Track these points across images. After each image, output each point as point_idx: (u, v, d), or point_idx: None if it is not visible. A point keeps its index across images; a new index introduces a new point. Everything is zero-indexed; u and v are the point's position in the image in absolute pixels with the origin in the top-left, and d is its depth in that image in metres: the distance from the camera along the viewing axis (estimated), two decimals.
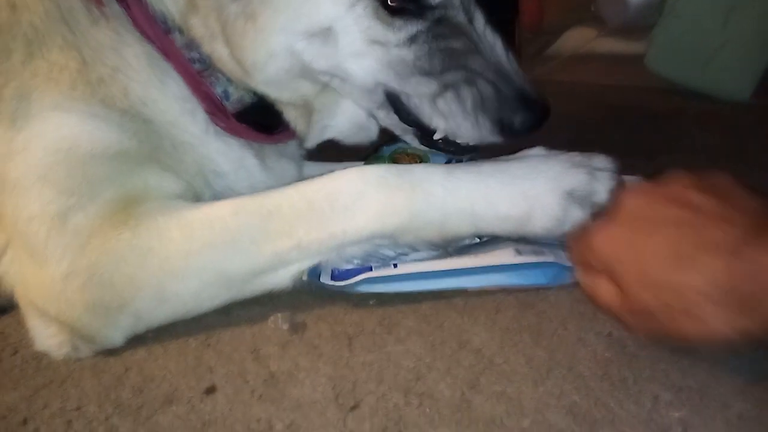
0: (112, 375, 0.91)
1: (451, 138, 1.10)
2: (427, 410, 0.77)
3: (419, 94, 1.04)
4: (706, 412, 0.73)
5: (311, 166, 1.30)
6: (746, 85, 1.91)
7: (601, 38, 2.26)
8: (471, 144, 1.10)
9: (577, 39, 2.32)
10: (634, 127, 1.82)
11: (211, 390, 0.85)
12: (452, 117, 1.03)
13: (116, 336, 0.95)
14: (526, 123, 1.03)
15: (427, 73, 1.02)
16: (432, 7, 1.00)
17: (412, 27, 1.00)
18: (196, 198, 1.04)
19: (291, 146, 1.22)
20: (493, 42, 1.04)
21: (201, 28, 1.01)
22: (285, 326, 0.96)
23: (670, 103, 1.99)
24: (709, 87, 1.99)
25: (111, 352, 0.95)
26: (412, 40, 1.00)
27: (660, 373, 0.79)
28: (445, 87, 1.02)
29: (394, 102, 1.09)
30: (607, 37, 2.24)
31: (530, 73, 2.37)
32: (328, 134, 1.20)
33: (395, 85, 1.04)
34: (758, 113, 1.84)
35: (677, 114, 1.89)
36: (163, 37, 1.02)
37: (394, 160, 1.25)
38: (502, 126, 1.03)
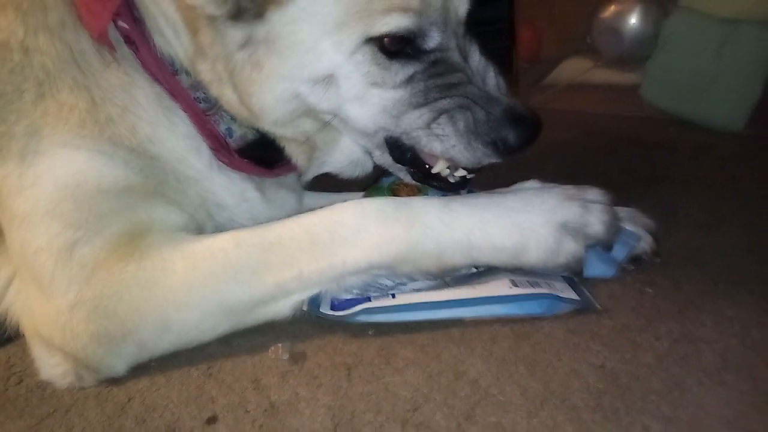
0: (116, 404, 0.93)
1: (448, 163, 1.12)
2: None
3: (414, 127, 1.06)
4: None
5: (311, 197, 1.33)
6: (740, 117, 1.94)
7: (597, 69, 2.30)
8: (469, 169, 1.12)
9: (573, 69, 2.36)
10: (629, 156, 1.85)
11: (212, 420, 0.87)
12: (447, 139, 1.06)
13: (120, 365, 0.97)
14: (519, 138, 1.06)
15: (422, 105, 1.05)
16: (428, 51, 1.04)
17: (409, 69, 1.03)
18: (199, 230, 1.07)
19: (290, 178, 1.25)
20: (485, 73, 1.08)
21: (209, 73, 1.05)
22: (285, 356, 0.98)
23: (664, 133, 2.02)
24: (703, 118, 2.02)
25: (114, 381, 0.97)
26: (409, 81, 1.04)
27: (651, 405, 0.81)
28: (439, 113, 1.05)
29: (391, 144, 1.12)
30: (602, 67, 2.28)
31: (527, 102, 2.42)
32: (325, 169, 1.23)
33: (392, 126, 1.08)
34: (751, 144, 1.87)
35: (671, 144, 1.92)
36: (171, 79, 1.06)
37: (393, 191, 1.28)
38: (496, 146, 1.05)
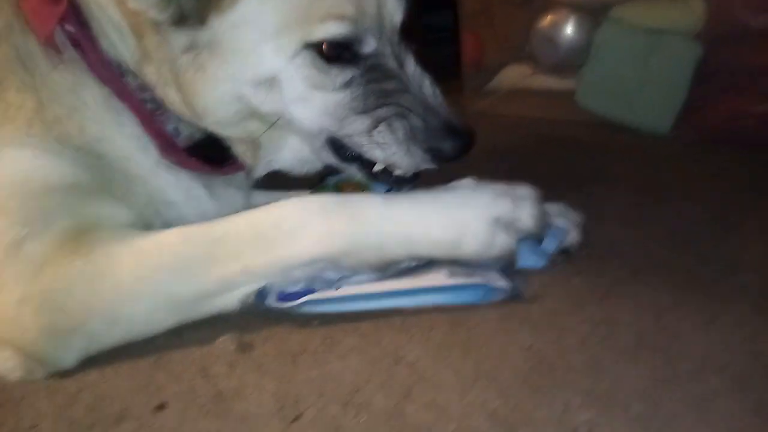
0: (66, 395, 0.94)
1: (389, 169, 1.19)
2: (363, 420, 0.84)
3: (356, 132, 1.12)
4: (610, 414, 0.81)
5: (260, 195, 1.37)
6: (666, 120, 2.07)
7: (536, 75, 2.40)
8: (408, 173, 1.19)
9: (513, 76, 2.46)
10: (565, 158, 1.95)
11: (161, 407, 0.90)
12: (387, 147, 1.12)
13: (69, 358, 0.99)
14: (454, 149, 1.14)
15: (362, 112, 1.11)
16: (365, 57, 1.10)
17: (347, 73, 1.09)
18: (147, 227, 1.09)
19: (238, 177, 1.29)
20: (421, 81, 1.15)
21: (154, 75, 1.09)
22: (233, 346, 1.02)
23: (597, 135, 2.13)
24: (633, 121, 2.15)
25: (65, 374, 0.98)
26: (348, 84, 1.10)
27: (572, 381, 0.88)
28: (378, 121, 1.11)
29: (335, 145, 1.18)
30: (541, 74, 2.39)
31: (472, 107, 2.51)
32: (275, 166, 1.28)
33: (335, 128, 1.14)
34: (676, 146, 2.00)
35: (604, 146, 2.03)
36: (117, 80, 1.09)
37: (339, 189, 1.33)
38: (432, 154, 1.12)
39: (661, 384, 0.87)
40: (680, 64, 2.02)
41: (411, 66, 1.15)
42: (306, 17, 1.03)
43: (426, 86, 1.14)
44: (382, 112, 1.11)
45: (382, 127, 1.12)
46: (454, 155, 1.14)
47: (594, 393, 0.86)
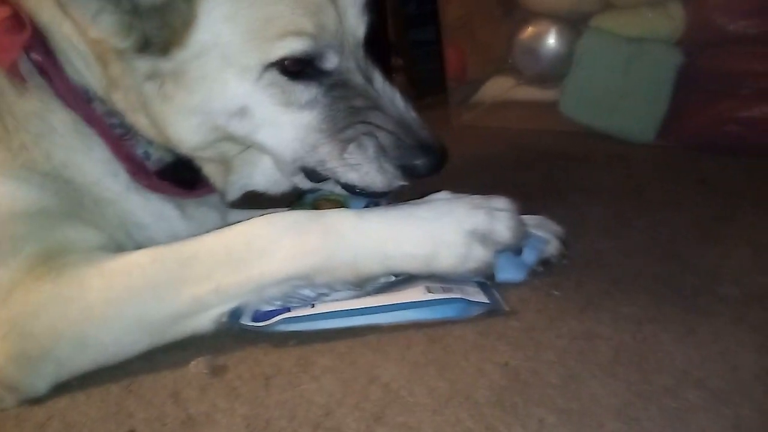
0: (35, 424, 0.93)
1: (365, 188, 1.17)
2: None
3: (328, 157, 1.12)
4: None
5: (236, 214, 1.36)
6: (649, 128, 2.06)
7: (519, 87, 2.40)
8: (383, 191, 1.18)
9: (497, 88, 2.45)
10: (547, 168, 1.94)
11: None
12: (359, 167, 1.11)
13: (40, 385, 0.97)
14: (426, 166, 1.13)
15: (332, 134, 1.10)
16: (328, 72, 1.09)
17: (312, 90, 1.08)
18: (119, 249, 1.08)
19: (213, 196, 1.27)
20: (392, 96, 1.14)
21: (122, 102, 1.09)
22: (205, 370, 1.00)
23: (581, 145, 2.12)
24: (616, 130, 2.14)
25: (35, 401, 0.97)
26: (314, 102, 1.09)
27: (547, 398, 0.87)
28: (348, 142, 1.10)
29: (308, 173, 1.17)
30: (524, 85, 2.39)
31: (457, 120, 2.50)
32: (249, 188, 1.27)
33: (307, 157, 1.13)
34: (659, 154, 1.99)
35: (587, 156, 2.02)
36: (85, 107, 1.09)
37: (316, 206, 1.32)
38: (404, 170, 1.11)
39: (637, 400, 0.85)
40: (662, 72, 2.02)
41: (379, 81, 1.14)
42: (264, 37, 1.02)
43: (397, 101, 1.13)
44: (350, 132, 1.10)
45: (352, 148, 1.11)
46: (426, 172, 1.13)
47: (569, 410, 0.84)
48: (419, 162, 1.11)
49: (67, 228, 1.03)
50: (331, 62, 1.08)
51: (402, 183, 1.14)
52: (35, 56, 1.06)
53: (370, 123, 1.10)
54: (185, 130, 1.08)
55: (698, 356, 0.94)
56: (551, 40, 2.25)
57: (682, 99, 2.03)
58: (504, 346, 0.99)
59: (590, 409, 0.84)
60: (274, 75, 1.05)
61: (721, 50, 1.97)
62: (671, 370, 0.91)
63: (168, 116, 1.06)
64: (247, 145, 1.15)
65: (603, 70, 2.11)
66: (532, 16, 2.33)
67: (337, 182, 1.21)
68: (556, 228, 1.27)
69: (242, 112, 1.07)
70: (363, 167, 1.11)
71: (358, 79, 1.11)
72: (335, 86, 1.09)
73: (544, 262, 1.22)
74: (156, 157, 1.16)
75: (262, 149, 1.15)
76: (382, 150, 1.10)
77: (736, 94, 1.93)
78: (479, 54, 2.53)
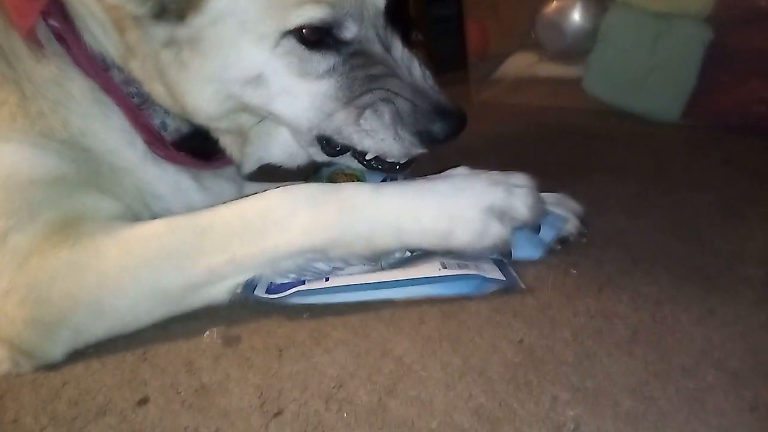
0: (50, 388, 0.94)
1: (381, 158, 1.16)
2: (345, 415, 0.82)
3: (343, 123, 1.10)
4: (598, 410, 0.79)
5: (252, 186, 1.35)
6: (675, 107, 2.01)
7: (542, 63, 2.36)
8: (400, 160, 1.16)
9: (519, 64, 2.41)
10: (568, 146, 1.91)
11: (143, 401, 0.89)
12: (375, 133, 1.09)
13: (56, 351, 0.98)
14: (444, 130, 1.10)
15: (348, 101, 1.08)
16: (346, 42, 1.07)
17: (330, 60, 1.07)
18: (136, 219, 1.08)
19: (229, 168, 1.27)
20: (409, 64, 1.11)
21: (140, 70, 1.08)
22: (219, 340, 1.00)
23: (605, 124, 2.08)
24: (641, 109, 2.09)
25: (51, 368, 0.98)
26: (331, 72, 1.07)
27: (562, 376, 0.86)
28: (364, 108, 1.08)
29: (323, 142, 1.15)
30: (547, 62, 2.34)
31: (477, 97, 2.47)
32: (265, 161, 1.26)
33: (323, 124, 1.11)
34: (685, 133, 1.95)
35: (610, 134, 1.98)
36: (102, 74, 1.08)
37: (332, 180, 1.31)
38: (421, 137, 1.09)
39: (654, 379, 0.84)
40: (690, 49, 1.96)
41: (398, 50, 1.12)
42: (282, 4, 1.00)
43: (415, 69, 1.11)
44: (367, 98, 1.08)
45: (368, 114, 1.09)
46: (444, 137, 1.10)
47: (583, 388, 0.83)
48: (437, 126, 1.09)
49: (84, 196, 1.04)
50: (350, 31, 1.06)
51: (420, 150, 1.12)
52: (53, 22, 1.05)
53: (387, 89, 1.08)
54: (201, 98, 1.07)
55: (718, 337, 0.92)
56: (576, 15, 2.20)
57: (710, 77, 1.97)
58: (519, 323, 0.98)
59: (605, 388, 0.83)
60: (292, 43, 1.03)
61: (752, 27, 1.90)
62: (690, 350, 0.89)
63: (184, 84, 1.05)
64: (263, 115, 1.13)
65: (629, 46, 2.06)
66: None
67: (354, 155, 1.20)
68: (575, 206, 1.25)
69: (257, 80, 1.06)
70: (378, 134, 1.09)
71: (376, 48, 1.09)
72: (353, 55, 1.07)
73: (562, 240, 1.20)
74: (173, 128, 1.15)
75: (277, 119, 1.14)
76: (398, 117, 1.08)
77: (766, 74, 1.87)
78: (501, 29, 2.48)
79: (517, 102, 2.39)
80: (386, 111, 1.08)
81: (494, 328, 0.98)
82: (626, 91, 2.10)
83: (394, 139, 1.09)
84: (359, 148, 1.13)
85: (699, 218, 1.34)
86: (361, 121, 1.09)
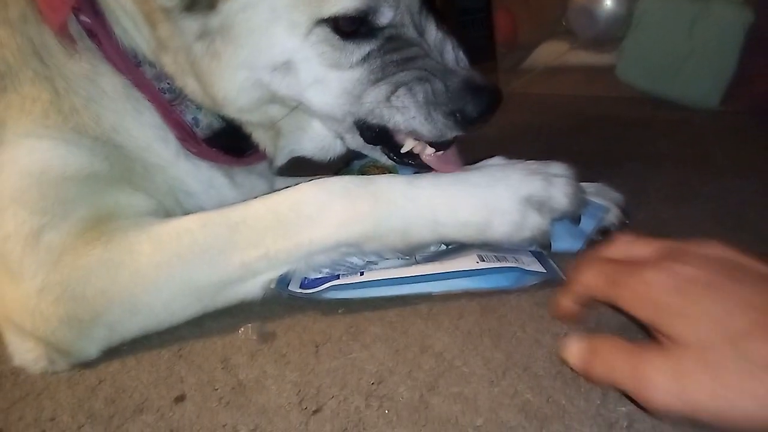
0: (86, 386, 0.93)
1: (414, 138, 1.12)
2: (386, 412, 0.80)
3: (375, 101, 1.06)
4: None
5: (283, 182, 1.34)
6: (714, 93, 1.95)
7: (573, 51, 2.30)
8: (436, 145, 1.12)
9: (549, 53, 2.37)
10: (604, 135, 1.86)
11: (180, 398, 0.88)
12: (407, 111, 1.05)
13: (91, 349, 0.98)
14: (478, 108, 1.05)
15: (380, 81, 1.05)
16: (381, 28, 1.04)
17: (365, 48, 1.03)
18: (168, 216, 1.07)
19: (261, 164, 1.25)
20: (443, 46, 1.08)
21: (172, 65, 1.06)
22: (254, 336, 0.99)
23: (640, 112, 2.03)
24: (678, 95, 2.03)
25: (86, 365, 0.98)
26: (366, 59, 1.04)
27: None
28: (398, 86, 1.05)
29: (361, 126, 1.12)
30: (578, 49, 2.29)
31: (507, 87, 2.43)
32: (297, 154, 1.24)
33: (357, 108, 1.08)
34: (725, 120, 1.89)
35: (646, 123, 1.93)
36: (134, 70, 1.07)
37: (364, 173, 1.29)
38: (455, 117, 1.05)
39: None
40: (729, 33, 1.89)
41: (432, 32, 1.08)
42: None
43: (448, 50, 1.07)
44: (401, 77, 1.05)
45: (401, 92, 1.05)
46: (478, 114, 1.05)
47: None
48: (469, 104, 1.04)
49: (117, 193, 1.03)
50: (385, 17, 1.02)
51: (454, 133, 1.08)
52: (84, 18, 1.05)
53: (421, 69, 1.05)
54: (231, 87, 1.05)
55: None
56: (608, 1, 2.15)
57: (750, 62, 1.91)
58: None
59: None
60: (326, 32, 1.01)
61: None
62: None
63: (215, 73, 1.03)
64: (293, 106, 1.11)
65: (665, 31, 2.00)
66: None
67: (386, 152, 1.17)
68: (616, 195, 1.21)
69: (286, 66, 1.03)
70: (410, 111, 1.05)
71: (411, 32, 1.05)
72: (387, 41, 1.04)
73: (604, 231, 1.16)
74: (205, 124, 1.14)
75: (308, 110, 1.11)
76: (432, 97, 1.04)
77: None
78: (531, 17, 2.43)
79: (547, 92, 2.35)
80: (420, 90, 1.04)
81: (537, 322, 0.94)
82: (662, 77, 2.05)
83: (426, 119, 1.05)
84: (390, 125, 1.09)
85: (744, 206, 1.29)
86: (393, 98, 1.05)
